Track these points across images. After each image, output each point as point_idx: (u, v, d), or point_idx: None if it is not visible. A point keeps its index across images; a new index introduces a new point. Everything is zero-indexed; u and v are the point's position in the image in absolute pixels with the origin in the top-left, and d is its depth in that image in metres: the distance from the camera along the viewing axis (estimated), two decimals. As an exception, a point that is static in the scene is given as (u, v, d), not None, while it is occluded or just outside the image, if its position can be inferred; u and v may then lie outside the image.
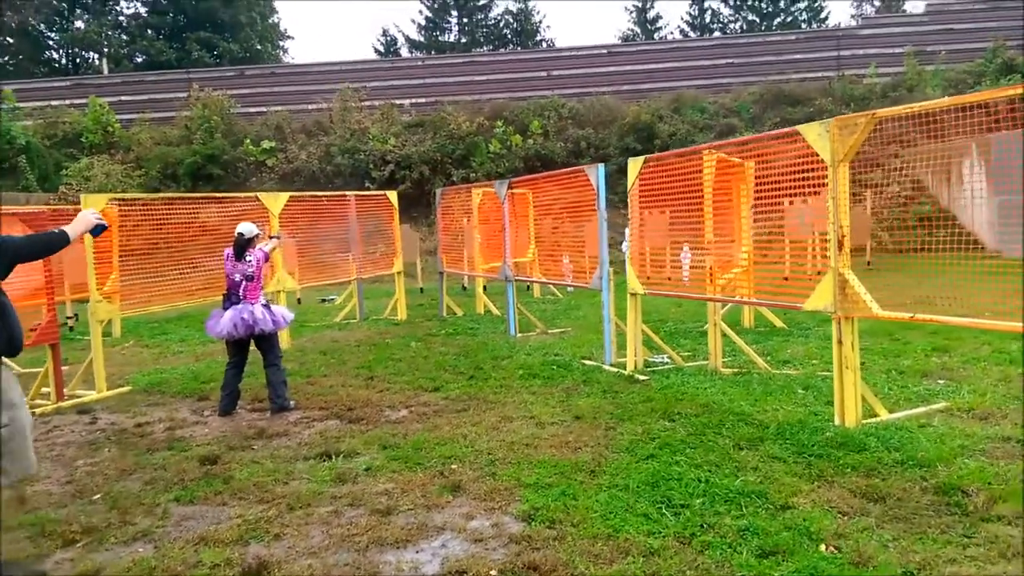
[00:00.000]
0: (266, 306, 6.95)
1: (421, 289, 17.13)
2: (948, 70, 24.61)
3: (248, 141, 24.83)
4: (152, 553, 3.91)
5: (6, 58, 41.91)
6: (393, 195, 12.63)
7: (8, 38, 41.20)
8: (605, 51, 28.57)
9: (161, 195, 12.71)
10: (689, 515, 3.97)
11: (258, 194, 10.09)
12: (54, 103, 28.03)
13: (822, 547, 3.57)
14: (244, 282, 6.86)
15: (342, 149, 23.59)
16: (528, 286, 15.30)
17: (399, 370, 8.45)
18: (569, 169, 8.74)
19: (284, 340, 10.34)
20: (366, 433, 6.01)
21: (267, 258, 7.19)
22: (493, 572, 3.51)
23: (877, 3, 47.89)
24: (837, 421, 5.38)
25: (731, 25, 46.81)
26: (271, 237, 8.66)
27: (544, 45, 44.67)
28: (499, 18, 47.61)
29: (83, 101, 27.34)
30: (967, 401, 5.79)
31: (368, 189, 22.51)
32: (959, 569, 3.30)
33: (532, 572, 3.48)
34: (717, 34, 43.58)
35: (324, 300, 16.02)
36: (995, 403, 5.72)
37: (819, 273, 5.62)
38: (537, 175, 9.54)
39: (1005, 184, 17.58)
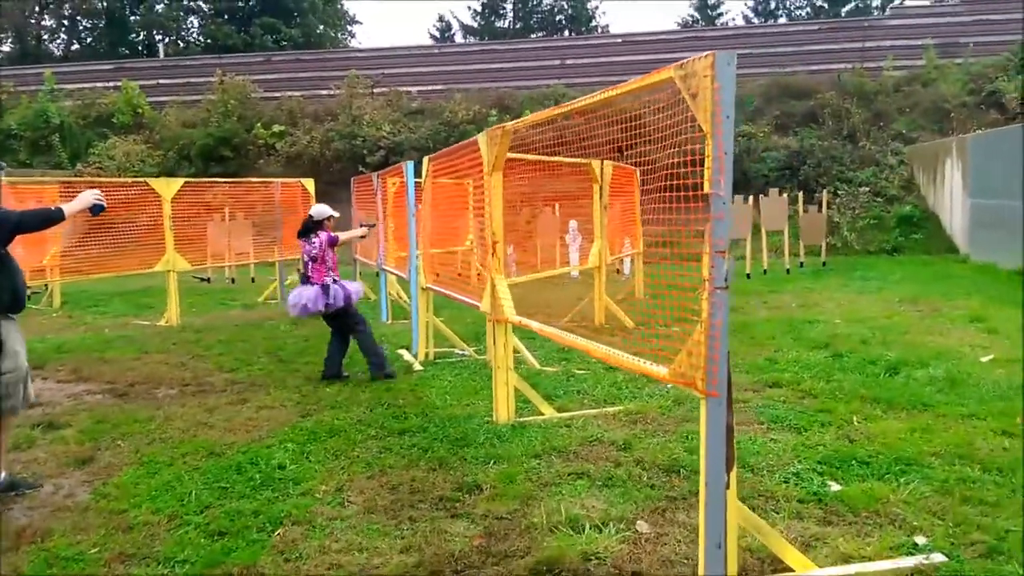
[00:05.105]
0: (335, 282, 7.22)
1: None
2: (976, 63, 23.42)
3: (260, 124, 25.86)
4: None
5: (90, 41, 44.75)
6: (310, 183, 13.18)
7: (94, 20, 44.06)
8: (620, 40, 28.37)
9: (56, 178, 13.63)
10: (211, 497, 4.32)
11: (148, 180, 10.75)
12: (98, 85, 29.85)
13: (279, 532, 3.87)
14: (309, 262, 7.21)
15: (341, 134, 24.33)
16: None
17: (230, 351, 8.96)
18: (392, 167, 9.06)
19: (174, 316, 11.07)
20: (107, 408, 6.53)
21: (333, 242, 7.33)
22: (-18, 534, 3.97)
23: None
24: (494, 418, 5.59)
25: (797, 12, 45.67)
26: (362, 225, 9.53)
27: (599, 31, 44.55)
28: (553, 4, 47.78)
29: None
30: (643, 406, 5.86)
31: (362, 173, 23.24)
32: (339, 559, 3.56)
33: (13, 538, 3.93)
34: (772, 22, 42.54)
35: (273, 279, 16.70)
36: (664, 410, 5.78)
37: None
38: (391, 168, 9.90)
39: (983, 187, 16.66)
